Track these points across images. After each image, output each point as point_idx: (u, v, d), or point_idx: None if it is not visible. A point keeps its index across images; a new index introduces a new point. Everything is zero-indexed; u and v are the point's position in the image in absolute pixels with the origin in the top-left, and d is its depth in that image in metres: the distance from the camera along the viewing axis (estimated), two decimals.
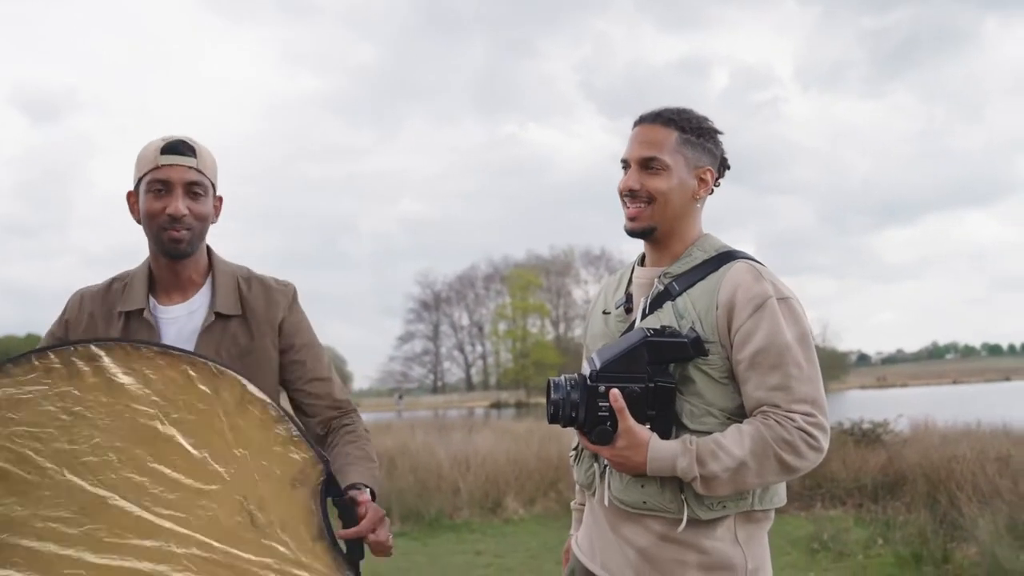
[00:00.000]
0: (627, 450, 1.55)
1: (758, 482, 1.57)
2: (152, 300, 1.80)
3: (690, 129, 1.71)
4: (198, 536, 1.48)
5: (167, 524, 1.47)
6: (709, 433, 1.58)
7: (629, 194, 1.71)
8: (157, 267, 1.81)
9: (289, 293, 1.90)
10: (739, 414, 1.62)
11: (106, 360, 1.50)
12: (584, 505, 1.94)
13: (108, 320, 1.78)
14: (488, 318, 65.12)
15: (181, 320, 1.79)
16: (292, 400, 1.89)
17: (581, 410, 1.57)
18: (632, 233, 1.73)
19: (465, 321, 65.37)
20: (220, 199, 1.86)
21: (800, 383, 1.57)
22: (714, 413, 1.61)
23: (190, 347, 1.73)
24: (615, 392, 1.55)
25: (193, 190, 1.75)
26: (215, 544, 1.48)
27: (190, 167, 1.74)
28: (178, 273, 1.80)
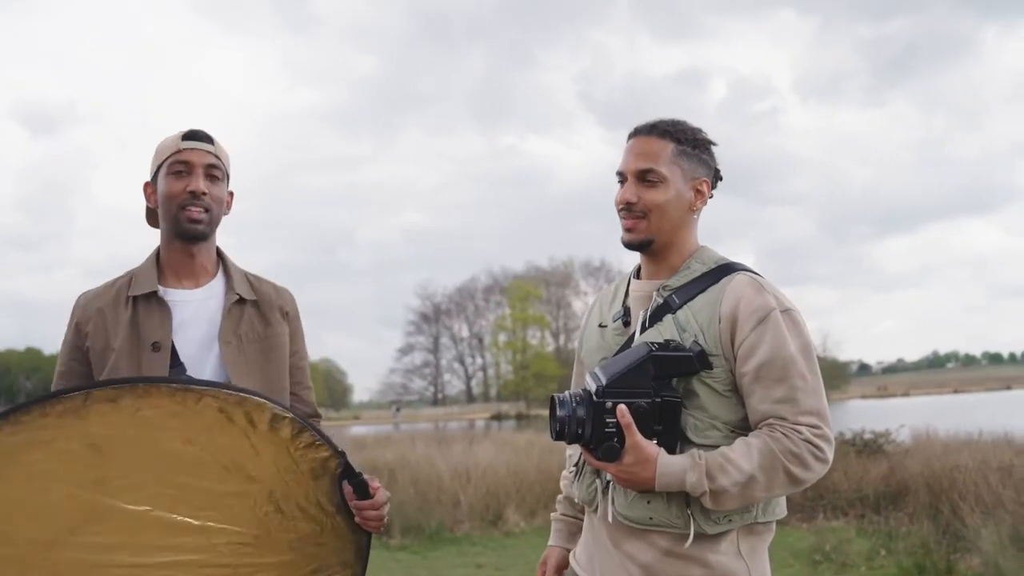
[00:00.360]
0: (635, 466, 1.53)
1: (766, 495, 1.56)
2: (160, 286, 1.87)
3: (686, 140, 1.70)
4: (231, 527, 1.65)
5: (202, 523, 1.63)
6: (714, 447, 1.57)
7: (626, 207, 1.70)
8: (169, 252, 1.89)
9: (293, 299, 2.02)
10: (743, 427, 1.61)
11: (126, 400, 1.60)
12: (567, 516, 1.93)
13: (116, 308, 1.83)
14: (488, 330, 65.12)
15: (196, 303, 1.87)
16: None
17: (587, 427, 1.55)
18: (630, 246, 1.72)
19: (465, 333, 65.39)
20: (231, 193, 1.95)
21: (805, 395, 1.56)
22: (718, 426, 1.60)
23: (211, 328, 1.85)
24: (622, 408, 1.53)
25: (212, 173, 1.86)
26: (246, 531, 1.67)
27: (209, 151, 1.86)
28: (193, 256, 1.88)
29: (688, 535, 1.57)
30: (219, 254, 1.95)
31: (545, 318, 62.18)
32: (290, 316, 1.99)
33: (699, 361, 1.58)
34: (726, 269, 1.68)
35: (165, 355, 1.80)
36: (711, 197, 1.76)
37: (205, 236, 1.87)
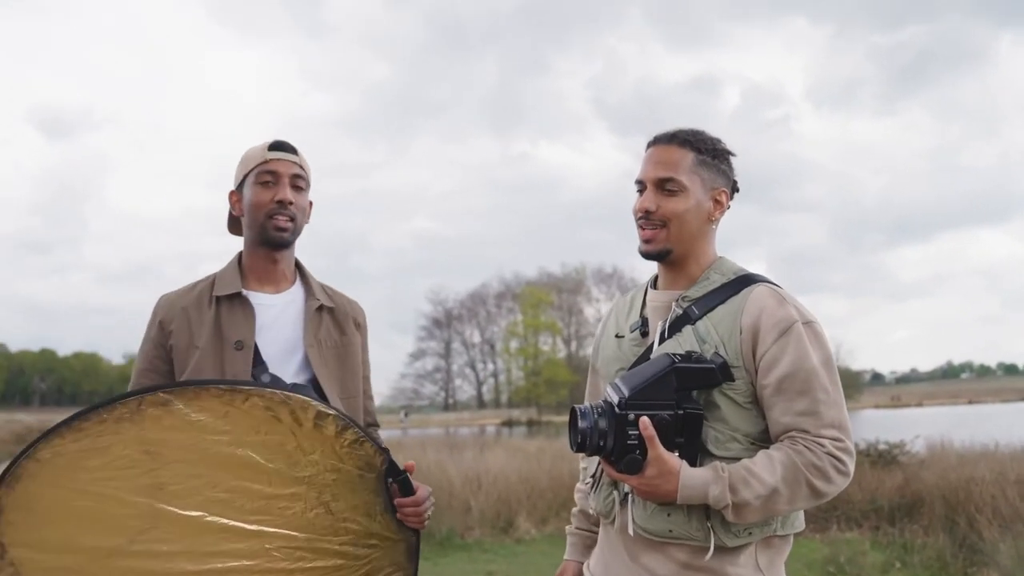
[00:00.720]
0: (657, 479, 1.51)
1: (789, 508, 1.55)
2: (243, 289, 1.93)
3: (706, 150, 1.69)
4: (283, 531, 1.68)
5: (255, 527, 1.66)
6: (735, 459, 1.55)
7: (644, 215, 1.68)
8: (253, 259, 1.96)
9: (364, 312, 2.10)
10: (763, 439, 1.59)
11: (177, 403, 1.64)
12: (582, 530, 1.91)
13: (200, 308, 1.90)
14: (500, 336, 65.08)
15: (278, 307, 1.94)
16: None
17: (609, 439, 1.53)
18: (647, 256, 1.71)
19: (477, 339, 65.38)
20: (311, 203, 2.02)
21: (828, 408, 1.55)
22: (739, 439, 1.58)
23: (293, 333, 1.91)
24: (645, 420, 1.51)
25: (296, 183, 1.94)
26: (299, 535, 1.69)
27: (294, 162, 1.94)
28: (276, 263, 1.95)
29: (708, 548, 1.55)
30: (296, 263, 2.02)
31: (557, 324, 62.13)
32: (361, 327, 2.07)
33: (722, 373, 1.56)
34: (746, 280, 1.66)
35: (248, 354, 1.85)
36: (728, 208, 1.74)
37: (289, 243, 1.94)
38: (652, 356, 1.65)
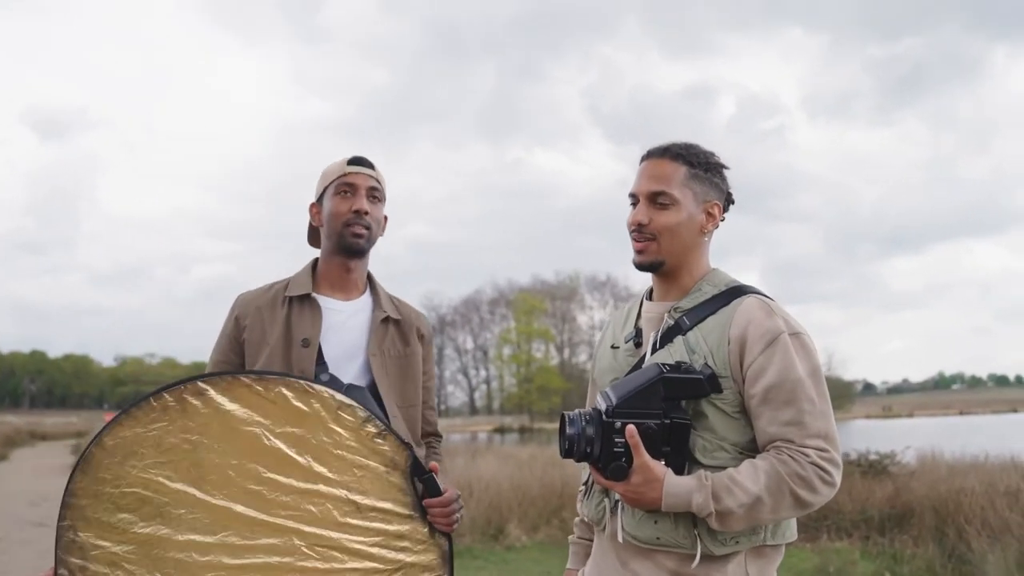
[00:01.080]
0: (642, 486, 1.53)
1: (772, 518, 1.56)
2: (314, 292, 2.03)
3: (698, 164, 1.71)
4: (313, 529, 1.71)
5: (287, 523, 1.70)
6: (722, 468, 1.56)
7: (636, 228, 1.70)
8: (328, 266, 2.05)
9: (430, 324, 2.18)
10: (751, 448, 1.61)
11: (212, 392, 1.72)
12: (583, 539, 1.92)
13: (273, 308, 2.00)
14: (492, 342, 65.10)
15: (345, 314, 2.02)
16: None
17: (596, 445, 1.55)
18: (640, 267, 1.73)
19: (469, 345, 65.41)
20: (386, 217, 2.11)
21: (813, 418, 1.56)
22: (726, 448, 1.59)
23: (358, 340, 2.00)
24: (631, 428, 1.53)
25: (373, 195, 2.03)
26: (330, 534, 1.72)
27: (371, 175, 2.04)
28: (350, 271, 2.05)
29: (695, 556, 1.56)
30: (368, 275, 2.11)
31: (550, 332, 62.18)
32: (425, 339, 2.14)
33: (709, 384, 1.58)
34: (736, 292, 1.68)
35: (313, 352, 1.94)
36: (723, 220, 1.77)
37: (364, 252, 2.03)
38: (644, 366, 1.66)
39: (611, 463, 1.54)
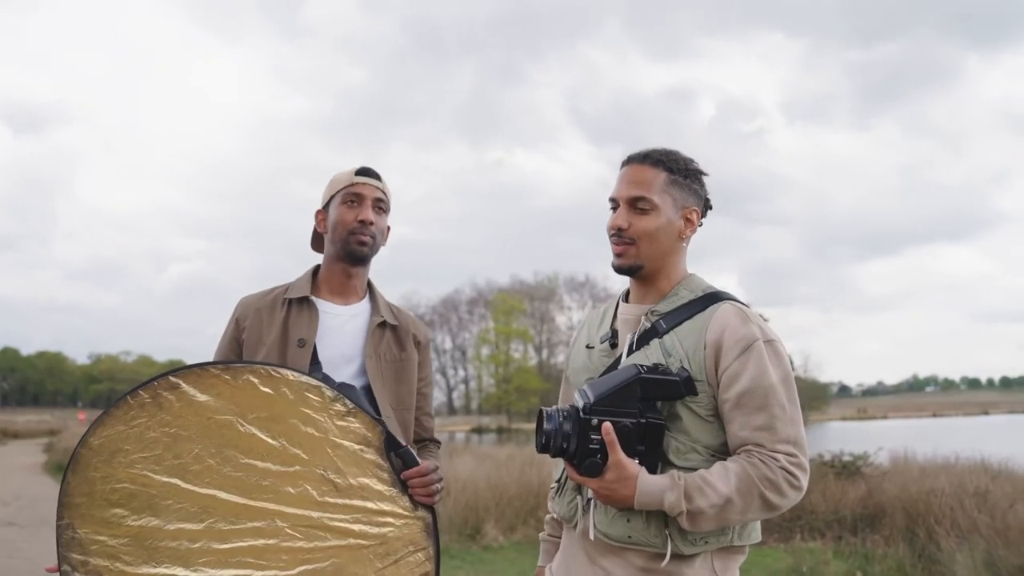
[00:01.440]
0: (616, 483, 1.56)
1: (741, 519, 1.59)
2: (312, 296, 2.09)
3: (678, 170, 1.74)
4: (294, 510, 1.76)
5: (269, 506, 1.75)
6: (694, 469, 1.60)
7: (616, 233, 1.73)
8: (329, 272, 2.12)
9: (427, 331, 2.24)
10: (723, 451, 1.65)
11: (184, 386, 1.77)
12: (554, 537, 1.95)
13: (272, 310, 2.06)
14: (471, 342, 65.02)
15: (342, 317, 2.09)
16: None
17: (573, 441, 1.57)
18: (619, 270, 1.76)
19: (448, 345, 65.29)
20: (389, 227, 2.17)
21: (784, 424, 1.60)
22: (699, 450, 1.63)
23: (354, 343, 2.06)
24: (607, 425, 1.56)
25: (379, 205, 2.10)
26: (311, 513, 1.76)
27: (378, 187, 2.10)
28: (350, 277, 2.11)
29: (665, 554, 1.59)
30: (368, 283, 2.17)
31: (528, 332, 62.17)
32: (422, 345, 2.19)
33: (685, 387, 1.61)
34: (713, 298, 1.72)
35: (308, 352, 2.00)
36: (700, 226, 1.80)
37: (367, 260, 2.10)
38: (620, 367, 1.69)
39: (586, 459, 1.56)
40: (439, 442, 2.26)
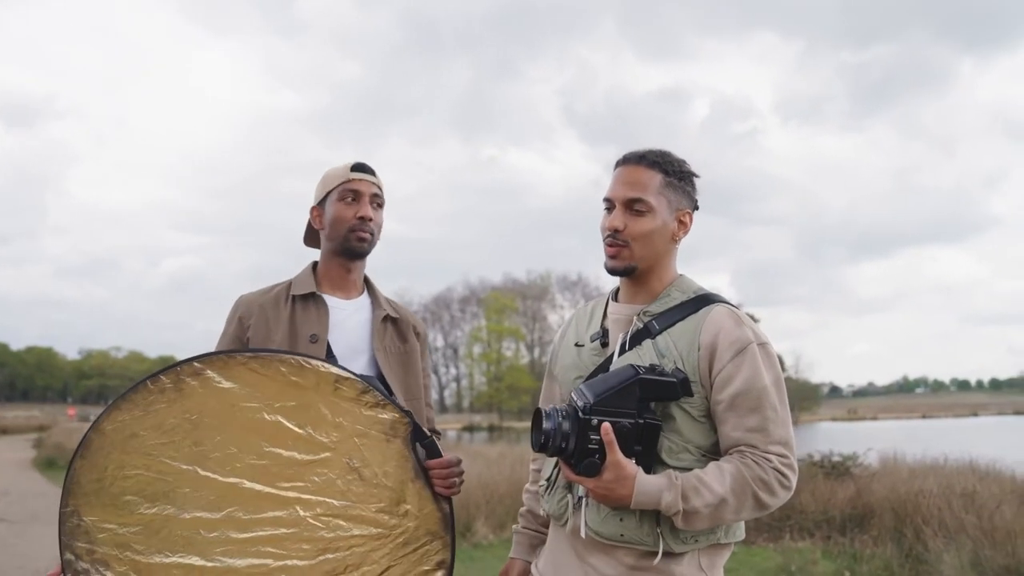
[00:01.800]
0: (613, 483, 1.57)
1: (734, 518, 1.62)
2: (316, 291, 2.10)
3: (673, 172, 1.75)
4: (318, 498, 1.75)
5: (291, 494, 1.73)
6: (686, 469, 1.62)
7: (611, 234, 1.73)
8: (329, 267, 2.13)
9: (423, 324, 2.26)
10: (714, 451, 1.66)
11: (209, 372, 1.75)
12: (527, 530, 1.98)
13: (277, 307, 2.06)
14: (463, 340, 64.99)
15: (347, 311, 2.10)
16: None
17: (571, 441, 1.58)
18: (613, 272, 1.76)
19: (440, 343, 65.24)
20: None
21: (776, 426, 1.62)
22: (691, 450, 1.65)
23: (362, 336, 2.08)
24: (607, 426, 1.57)
25: (376, 201, 2.12)
26: (334, 502, 1.76)
27: (374, 182, 2.12)
28: (349, 272, 2.13)
29: (656, 552, 1.61)
30: (365, 277, 2.19)
31: (520, 331, 62.20)
32: (421, 337, 2.23)
33: (681, 388, 1.62)
34: (705, 299, 1.73)
35: (322, 346, 2.01)
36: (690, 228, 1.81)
37: (365, 255, 2.12)
38: (612, 367, 1.71)
39: (584, 459, 1.57)
40: (439, 433, 2.25)
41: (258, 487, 1.72)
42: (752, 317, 1.75)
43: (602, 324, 1.81)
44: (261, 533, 1.71)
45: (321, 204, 2.13)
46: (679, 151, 1.80)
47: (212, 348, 2.09)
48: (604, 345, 1.77)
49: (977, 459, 8.93)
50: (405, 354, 2.14)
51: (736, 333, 1.64)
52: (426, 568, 1.82)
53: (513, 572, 1.96)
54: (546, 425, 1.58)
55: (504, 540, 7.67)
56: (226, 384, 1.74)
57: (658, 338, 1.69)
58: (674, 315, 1.71)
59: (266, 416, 1.74)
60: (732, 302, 1.75)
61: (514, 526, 2.03)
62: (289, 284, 2.11)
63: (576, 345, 1.83)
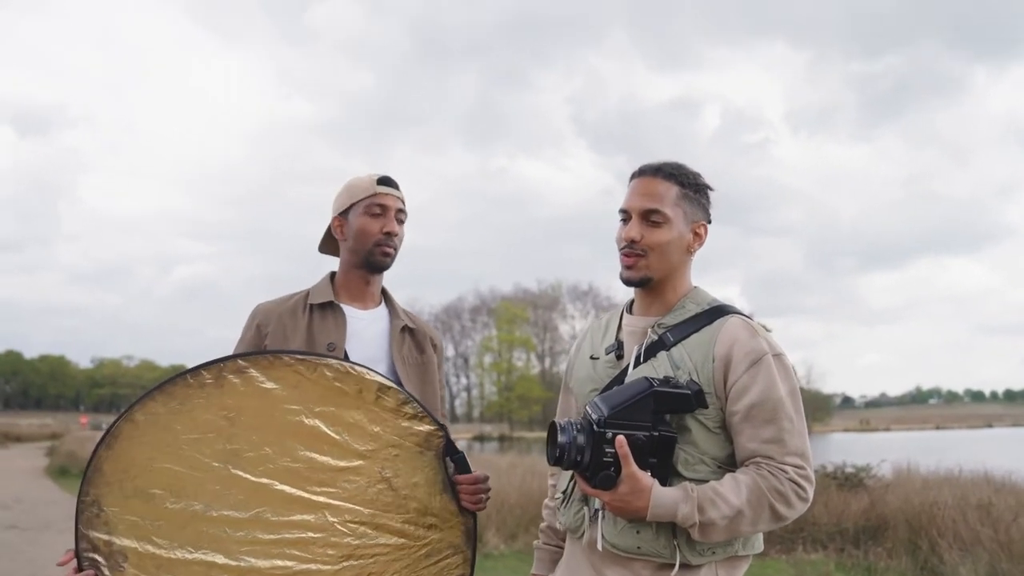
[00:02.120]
0: (629, 495, 1.56)
1: (751, 530, 1.61)
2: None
3: (689, 184, 1.75)
4: (348, 505, 1.76)
5: (322, 499, 1.74)
6: (702, 481, 1.61)
7: (628, 244, 1.73)
8: (348, 278, 2.14)
9: (439, 335, 2.28)
10: (729, 463, 1.65)
11: (253, 371, 1.75)
12: (549, 545, 1.96)
13: (294, 316, 2.07)
14: (474, 350, 65.02)
15: (365, 321, 2.11)
16: None
17: (586, 454, 1.58)
18: (628, 282, 1.76)
19: (450, 352, 65.22)
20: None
21: (792, 437, 1.62)
22: (707, 462, 1.64)
23: (380, 346, 2.09)
24: (621, 439, 1.56)
25: (400, 216, 2.13)
26: (363, 510, 1.77)
27: (399, 197, 2.13)
28: (369, 284, 2.14)
29: (673, 565, 1.60)
30: (382, 288, 2.20)
31: (531, 340, 62.18)
32: (437, 348, 2.23)
33: (696, 400, 1.62)
34: (720, 311, 1.72)
35: (339, 356, 1.99)
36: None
37: (387, 268, 2.13)
38: (628, 379, 1.70)
39: (600, 472, 1.57)
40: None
41: (289, 490, 1.72)
42: (764, 327, 1.73)
43: (617, 336, 1.81)
44: (288, 536, 1.71)
45: (344, 215, 2.13)
46: (690, 161, 1.81)
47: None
48: (619, 357, 1.77)
49: (992, 471, 8.84)
50: (422, 365, 2.14)
51: (751, 344, 1.64)
52: None
53: None
54: (561, 439, 1.58)
55: (515, 551, 7.64)
56: (269, 384, 1.74)
57: (673, 350, 1.68)
58: (688, 327, 1.70)
59: (306, 420, 1.75)
60: (745, 313, 1.74)
61: (535, 542, 2.02)
62: (307, 293, 2.12)
63: (591, 358, 1.83)
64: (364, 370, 1.81)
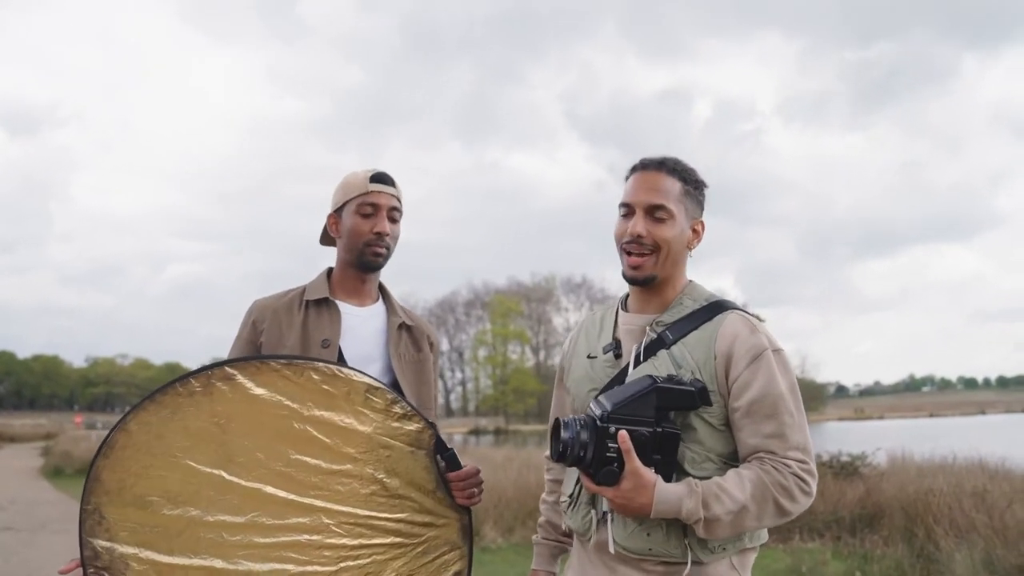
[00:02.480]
0: (632, 491, 1.55)
1: (756, 525, 1.60)
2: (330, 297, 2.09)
3: (689, 181, 1.74)
4: (341, 507, 1.77)
5: (316, 502, 1.75)
6: (709, 478, 1.60)
7: (635, 240, 1.70)
8: (343, 275, 2.13)
9: (436, 333, 2.26)
10: (734, 459, 1.65)
11: (240, 377, 1.75)
12: (548, 540, 1.95)
13: (290, 312, 2.06)
14: (468, 344, 65.05)
15: (361, 318, 2.10)
16: None
17: (589, 450, 1.57)
18: (634, 281, 1.73)
19: (445, 346, 65.19)
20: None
21: (793, 431, 1.61)
22: (713, 459, 1.64)
23: (376, 343, 2.08)
24: (624, 434, 1.56)
25: (393, 215, 2.09)
26: (357, 511, 1.78)
27: (393, 195, 2.09)
28: (364, 282, 2.13)
29: (685, 564, 1.61)
30: (380, 284, 2.19)
31: (526, 334, 62.23)
32: (434, 347, 2.21)
33: (700, 397, 1.61)
34: (718, 307, 1.71)
35: (333, 352, 2.00)
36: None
37: (380, 267, 2.11)
38: (629, 378, 1.69)
39: (603, 468, 1.56)
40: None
41: (283, 494, 1.73)
42: (757, 317, 1.73)
43: (613, 335, 1.79)
44: (284, 539, 1.72)
45: (338, 212, 2.11)
46: (683, 153, 1.79)
47: (219, 353, 2.11)
48: (617, 356, 1.75)
49: (986, 457, 8.87)
50: (419, 363, 2.13)
51: (751, 340, 1.64)
52: None
53: None
54: (564, 435, 1.57)
55: (513, 544, 7.66)
56: (257, 390, 1.75)
57: (673, 348, 1.67)
58: (687, 324, 1.69)
59: (295, 424, 1.75)
60: (740, 306, 1.73)
61: (534, 537, 2.01)
62: (303, 289, 2.11)
63: (588, 357, 1.81)
64: (352, 372, 1.81)
